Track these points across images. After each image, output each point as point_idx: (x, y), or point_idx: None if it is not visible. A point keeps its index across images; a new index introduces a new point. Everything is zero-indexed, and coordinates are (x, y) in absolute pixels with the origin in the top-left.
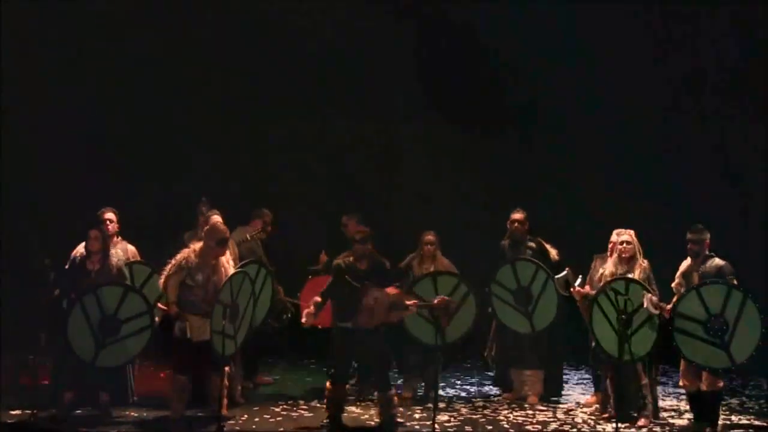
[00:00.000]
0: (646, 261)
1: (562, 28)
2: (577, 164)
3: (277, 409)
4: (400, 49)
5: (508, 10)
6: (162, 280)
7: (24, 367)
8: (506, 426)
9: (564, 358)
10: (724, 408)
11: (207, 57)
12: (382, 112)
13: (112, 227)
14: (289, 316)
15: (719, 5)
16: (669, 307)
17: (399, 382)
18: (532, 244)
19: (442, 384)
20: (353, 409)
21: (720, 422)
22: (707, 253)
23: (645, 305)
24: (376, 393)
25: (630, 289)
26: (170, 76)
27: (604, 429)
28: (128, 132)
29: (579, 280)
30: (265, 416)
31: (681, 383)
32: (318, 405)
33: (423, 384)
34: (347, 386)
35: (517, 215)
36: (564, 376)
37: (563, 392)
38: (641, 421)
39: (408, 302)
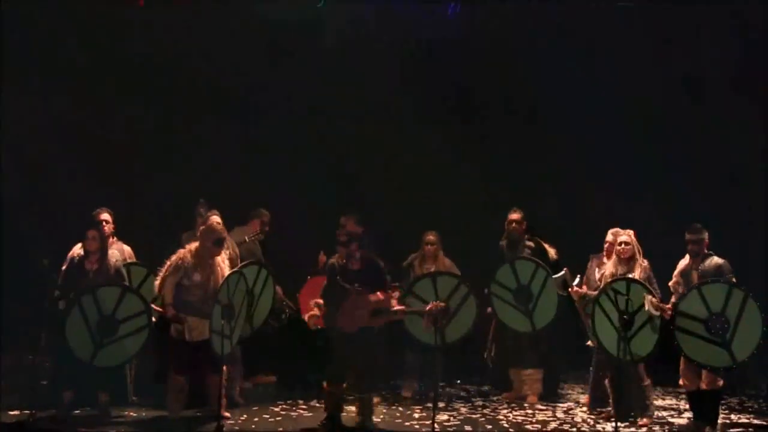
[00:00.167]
0: (646, 261)
1: (562, 28)
2: (576, 164)
3: (276, 409)
4: (401, 49)
5: (508, 10)
6: (158, 282)
7: (23, 368)
8: (506, 425)
9: (562, 358)
10: (723, 407)
11: (205, 56)
12: (382, 112)
13: (108, 228)
14: (288, 315)
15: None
16: (669, 306)
17: (399, 382)
18: (531, 244)
19: (442, 383)
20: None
21: (720, 421)
22: (706, 251)
23: (646, 308)
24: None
25: (631, 289)
26: (168, 75)
27: (603, 428)
28: (126, 132)
29: (577, 280)
30: (264, 416)
31: (681, 382)
32: (317, 405)
33: (423, 384)
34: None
35: (514, 215)
36: (563, 376)
37: (562, 392)
38: (642, 421)
39: (396, 308)
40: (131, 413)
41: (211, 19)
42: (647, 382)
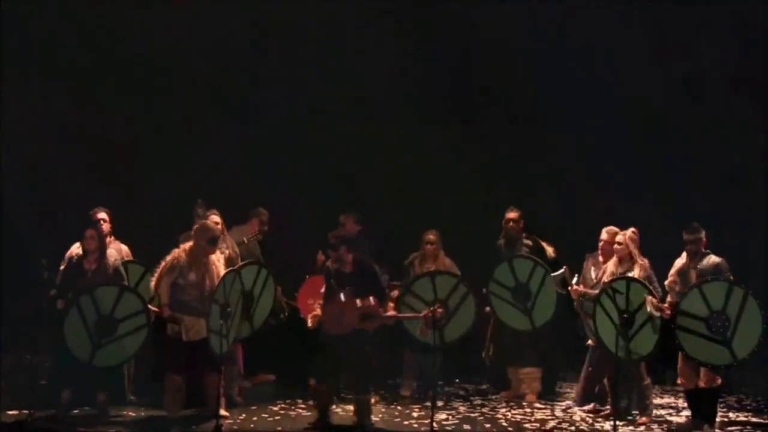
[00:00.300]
0: (645, 259)
1: (562, 28)
2: (575, 163)
3: (275, 409)
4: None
5: (508, 10)
6: (153, 282)
7: (22, 367)
8: (505, 424)
9: (561, 356)
10: (721, 405)
11: (203, 56)
12: (380, 112)
13: (105, 227)
14: (287, 315)
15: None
16: (666, 306)
17: (397, 381)
18: (528, 242)
19: (441, 383)
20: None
21: (718, 419)
22: (703, 250)
23: (648, 309)
24: (352, 396)
25: (631, 288)
26: (166, 75)
27: (602, 427)
28: (125, 131)
29: (575, 279)
30: (263, 415)
31: (679, 381)
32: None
33: (421, 383)
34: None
35: (512, 214)
36: (561, 374)
37: (561, 390)
38: (641, 420)
39: (388, 314)
40: (130, 413)
41: (210, 19)
42: (647, 381)
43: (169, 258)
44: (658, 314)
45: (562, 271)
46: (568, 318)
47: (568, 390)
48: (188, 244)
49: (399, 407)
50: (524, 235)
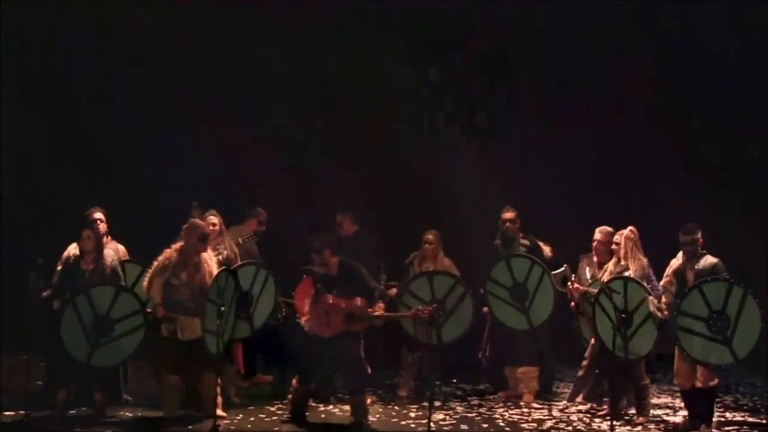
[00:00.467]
0: (644, 258)
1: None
2: (572, 163)
3: (272, 409)
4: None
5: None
6: (146, 283)
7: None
8: (502, 424)
9: (559, 355)
10: (718, 405)
11: (201, 55)
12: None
13: (102, 227)
14: (285, 315)
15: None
16: (665, 306)
17: (395, 380)
18: (526, 242)
19: (438, 382)
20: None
21: (714, 419)
22: (700, 251)
23: (651, 309)
24: (348, 396)
25: (628, 288)
26: (165, 75)
27: (599, 426)
28: (122, 131)
29: (573, 278)
30: (260, 415)
31: (675, 381)
32: (313, 404)
33: (419, 383)
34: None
35: (508, 214)
36: (559, 374)
37: (558, 390)
38: (639, 420)
39: (375, 314)
40: (127, 413)
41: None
42: (646, 381)
43: (160, 258)
44: (660, 315)
45: (562, 269)
46: (565, 317)
47: (565, 390)
48: (179, 244)
49: (396, 407)
50: (521, 234)
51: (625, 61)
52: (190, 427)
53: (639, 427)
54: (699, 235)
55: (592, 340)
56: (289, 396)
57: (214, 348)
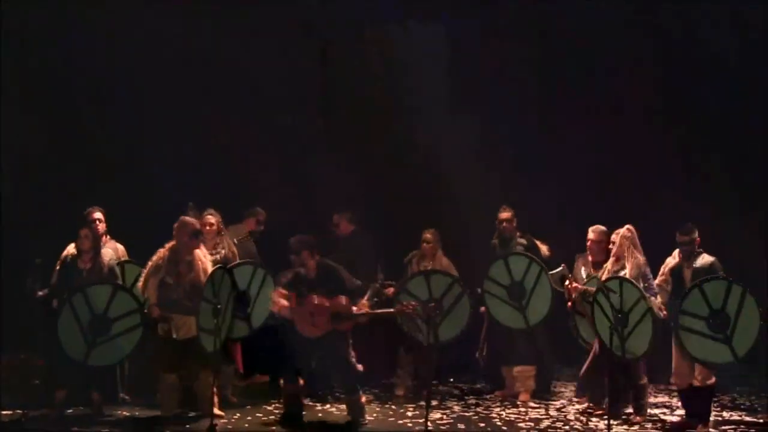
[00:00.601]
0: (641, 257)
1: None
2: (571, 162)
3: (269, 408)
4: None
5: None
6: (141, 283)
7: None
8: (499, 423)
9: (556, 355)
10: (715, 404)
11: (201, 55)
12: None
13: (101, 226)
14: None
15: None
16: (663, 307)
17: (392, 380)
18: (523, 241)
19: (435, 382)
20: (328, 407)
21: (711, 418)
22: (697, 249)
23: (654, 310)
24: (343, 396)
25: (623, 287)
26: (163, 74)
27: (596, 426)
28: (122, 131)
29: (570, 277)
30: (257, 415)
31: (672, 380)
32: (310, 403)
33: (416, 382)
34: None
35: (505, 214)
36: (556, 374)
37: (555, 389)
38: (636, 418)
39: (359, 311)
40: (124, 412)
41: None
42: (644, 380)
43: (154, 258)
44: (662, 315)
45: (560, 269)
46: (562, 317)
47: (562, 389)
48: (172, 243)
49: (393, 406)
50: (518, 234)
51: (625, 61)
52: (188, 426)
53: (636, 427)
54: (696, 234)
55: (581, 341)
56: (283, 399)
57: (211, 346)
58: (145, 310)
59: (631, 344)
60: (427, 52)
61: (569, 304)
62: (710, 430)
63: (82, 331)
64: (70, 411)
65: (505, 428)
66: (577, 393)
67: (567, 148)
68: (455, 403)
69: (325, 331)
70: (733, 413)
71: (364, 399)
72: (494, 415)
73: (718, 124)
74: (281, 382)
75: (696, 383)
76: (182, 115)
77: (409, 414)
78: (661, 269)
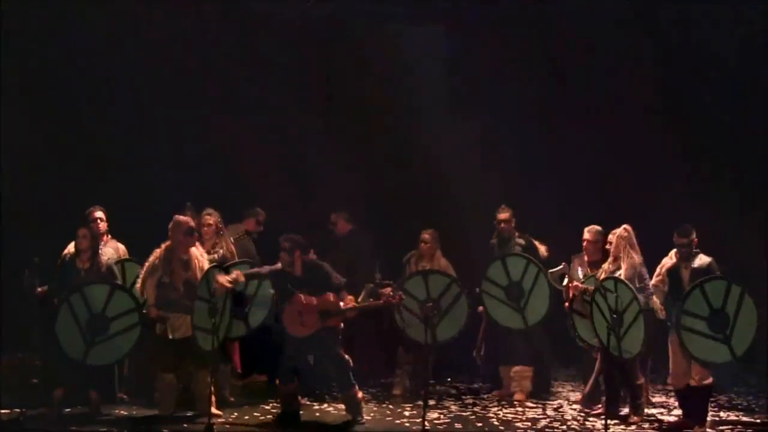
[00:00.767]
0: (636, 257)
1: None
2: (569, 162)
3: (267, 407)
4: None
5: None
6: (139, 284)
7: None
8: (496, 423)
9: (554, 355)
10: (712, 404)
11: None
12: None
13: (102, 225)
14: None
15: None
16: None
17: (390, 379)
18: (521, 241)
19: (432, 381)
20: (325, 406)
21: (709, 418)
22: (694, 250)
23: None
24: (340, 393)
25: (618, 288)
26: (164, 74)
27: (593, 425)
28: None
29: (565, 281)
30: (255, 414)
31: (670, 381)
32: (308, 402)
33: (413, 382)
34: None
35: (503, 215)
36: (553, 374)
37: (553, 389)
38: (633, 419)
39: (346, 306)
40: (122, 411)
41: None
42: (641, 380)
43: (150, 258)
44: (661, 314)
45: (561, 267)
46: (561, 317)
47: (560, 389)
48: (167, 242)
49: (391, 406)
50: (517, 234)
51: (625, 61)
52: (185, 425)
53: (633, 427)
54: (694, 235)
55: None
56: (280, 399)
57: (207, 346)
58: (144, 311)
59: (626, 344)
60: (427, 52)
61: (566, 304)
62: (707, 430)
63: (80, 330)
64: (69, 410)
65: (502, 428)
66: (585, 403)
67: (567, 148)
68: (452, 402)
69: (314, 330)
70: (730, 413)
71: (360, 395)
72: (491, 415)
73: (718, 124)
74: (278, 381)
75: (693, 383)
76: (182, 114)
77: (407, 413)
78: (657, 270)
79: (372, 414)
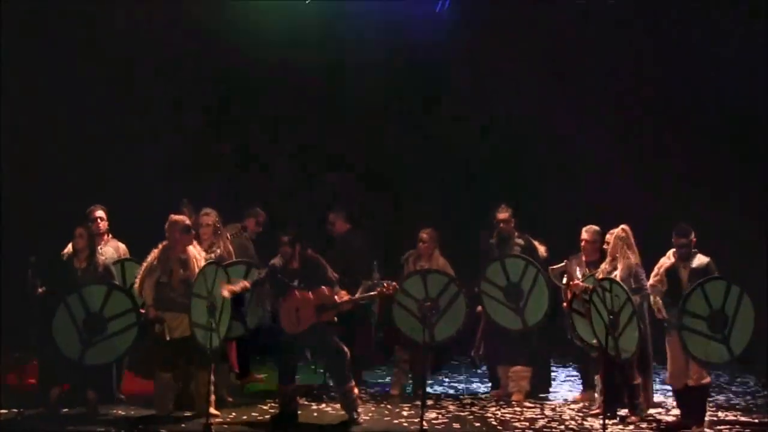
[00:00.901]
0: (633, 257)
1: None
2: (567, 162)
3: (264, 407)
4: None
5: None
6: (137, 285)
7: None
8: (494, 423)
9: (551, 355)
10: (710, 404)
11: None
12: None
13: (103, 225)
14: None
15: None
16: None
17: (387, 379)
18: (521, 241)
19: (430, 381)
20: (323, 406)
21: (707, 418)
22: (692, 250)
23: (656, 313)
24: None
25: (613, 288)
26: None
27: (591, 425)
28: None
29: (564, 280)
30: (253, 414)
31: (667, 380)
32: (306, 402)
33: (411, 381)
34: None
35: (503, 214)
36: (552, 373)
37: (551, 389)
38: (631, 418)
39: (341, 300)
40: (119, 411)
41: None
42: (638, 380)
43: (149, 258)
44: (661, 315)
45: (562, 264)
46: (560, 317)
47: (558, 389)
48: (164, 242)
49: (389, 406)
50: (516, 234)
51: (625, 61)
52: (183, 425)
53: (631, 427)
54: (692, 234)
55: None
56: (278, 399)
57: (207, 343)
58: (141, 310)
59: (623, 344)
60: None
61: (564, 303)
62: (705, 430)
63: (77, 330)
64: (66, 410)
65: (500, 428)
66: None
67: (568, 147)
68: (450, 402)
69: (309, 325)
70: (728, 413)
71: (356, 391)
72: (489, 415)
73: (718, 123)
74: (277, 383)
75: (691, 383)
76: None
77: (405, 413)
78: (655, 269)
79: (370, 414)
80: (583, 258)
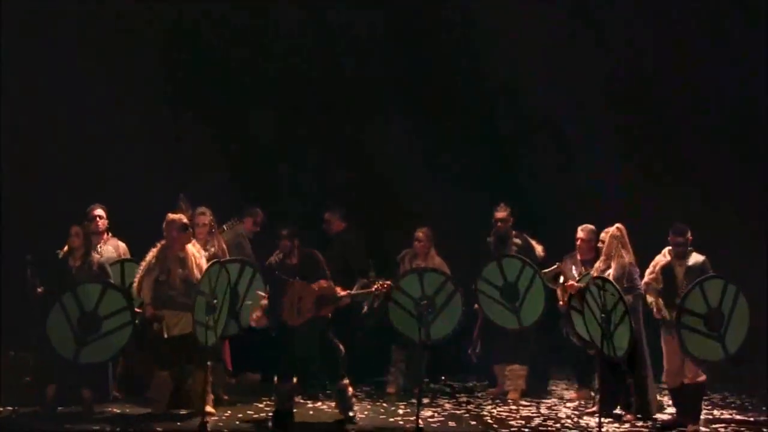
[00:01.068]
0: (626, 257)
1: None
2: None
3: (260, 405)
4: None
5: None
6: (136, 284)
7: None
8: (490, 421)
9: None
10: (706, 402)
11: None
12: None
13: (102, 223)
14: None
15: None
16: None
17: (384, 377)
18: (518, 241)
19: (426, 380)
20: (319, 404)
21: (702, 416)
22: (688, 249)
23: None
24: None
25: (606, 287)
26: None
27: (587, 424)
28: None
29: (561, 279)
30: (248, 412)
31: (663, 379)
32: (302, 401)
33: (407, 380)
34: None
35: (501, 213)
36: (548, 372)
37: (547, 388)
38: (627, 416)
39: (340, 294)
40: (115, 409)
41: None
42: (632, 379)
43: (147, 257)
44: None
45: (555, 266)
46: (556, 317)
47: (554, 388)
48: (162, 241)
49: (385, 404)
50: (513, 233)
51: (625, 59)
52: (179, 423)
53: (627, 425)
54: (689, 233)
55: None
56: (273, 397)
57: (206, 340)
58: (138, 309)
59: (617, 342)
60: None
61: (560, 303)
62: (701, 428)
63: (72, 329)
64: (62, 409)
65: (496, 426)
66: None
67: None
68: (447, 400)
69: (307, 317)
70: (724, 411)
71: (351, 389)
72: (486, 413)
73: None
74: (275, 379)
75: (686, 381)
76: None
77: (401, 411)
78: (651, 267)
79: (366, 412)
80: (578, 257)
